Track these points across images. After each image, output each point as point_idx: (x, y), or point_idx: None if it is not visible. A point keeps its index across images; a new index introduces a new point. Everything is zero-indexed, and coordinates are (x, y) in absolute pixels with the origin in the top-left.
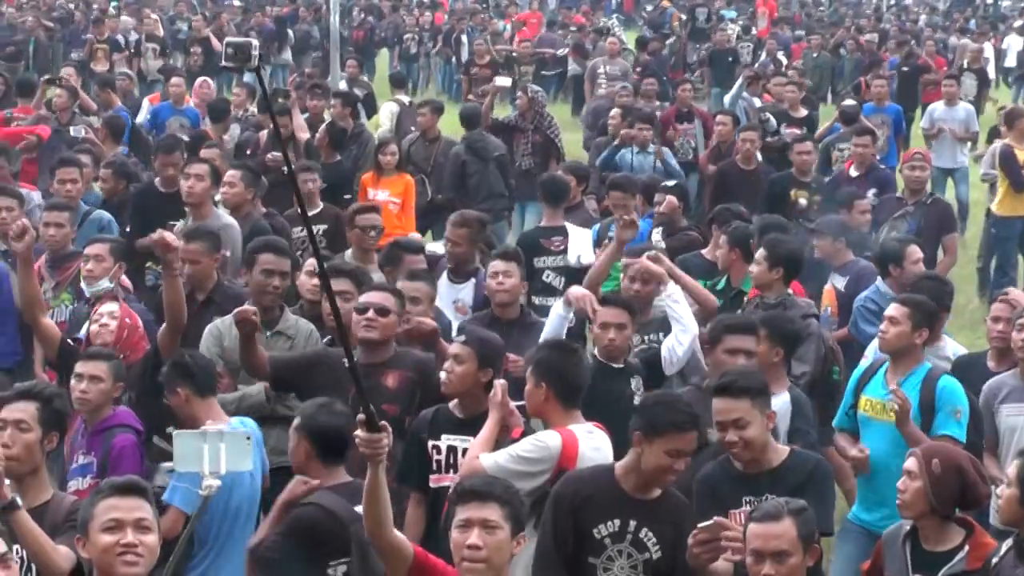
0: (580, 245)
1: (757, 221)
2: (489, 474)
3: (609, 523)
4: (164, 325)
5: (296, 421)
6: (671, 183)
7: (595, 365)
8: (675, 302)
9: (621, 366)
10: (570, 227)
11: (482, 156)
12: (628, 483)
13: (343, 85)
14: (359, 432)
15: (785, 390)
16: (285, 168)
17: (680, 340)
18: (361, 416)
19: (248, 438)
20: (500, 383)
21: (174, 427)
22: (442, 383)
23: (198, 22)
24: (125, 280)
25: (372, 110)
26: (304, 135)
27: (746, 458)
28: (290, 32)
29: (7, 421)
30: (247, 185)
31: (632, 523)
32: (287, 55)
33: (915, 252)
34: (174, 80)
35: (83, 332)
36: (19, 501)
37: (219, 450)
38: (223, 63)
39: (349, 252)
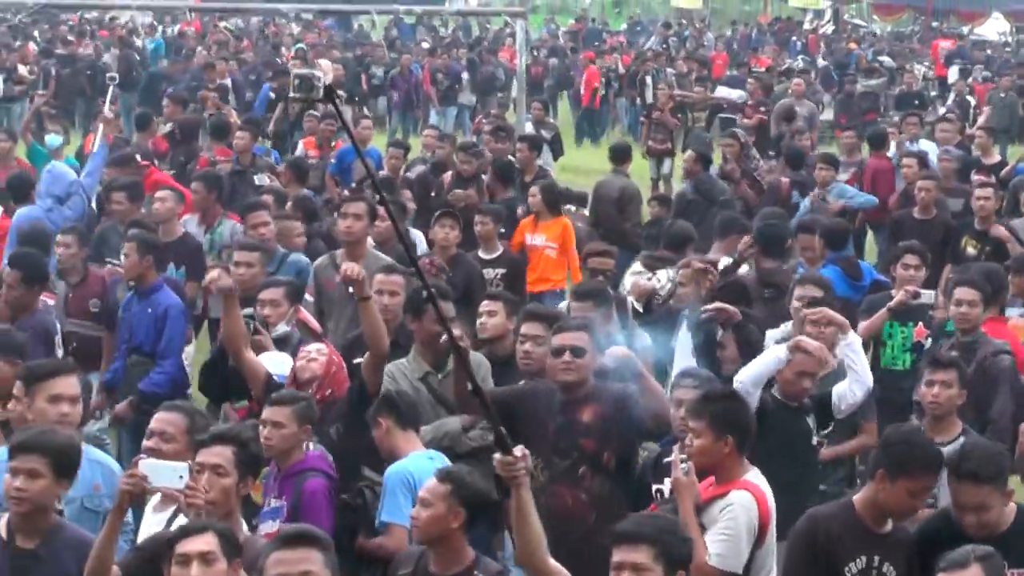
0: None
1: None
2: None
3: (857, 560)
4: (367, 356)
5: None
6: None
7: (774, 404)
8: (854, 352)
9: (797, 405)
10: None
11: (708, 198)
12: (869, 517)
13: (529, 127)
14: (496, 455)
15: (960, 434)
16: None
17: (854, 390)
18: (491, 437)
19: None
20: (688, 466)
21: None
22: (686, 446)
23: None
24: (312, 322)
25: (559, 152)
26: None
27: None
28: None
29: (204, 465)
30: (370, 219)
31: (876, 559)
32: (471, 96)
33: None
34: (364, 123)
35: (285, 371)
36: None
37: None
38: (291, 94)
39: None
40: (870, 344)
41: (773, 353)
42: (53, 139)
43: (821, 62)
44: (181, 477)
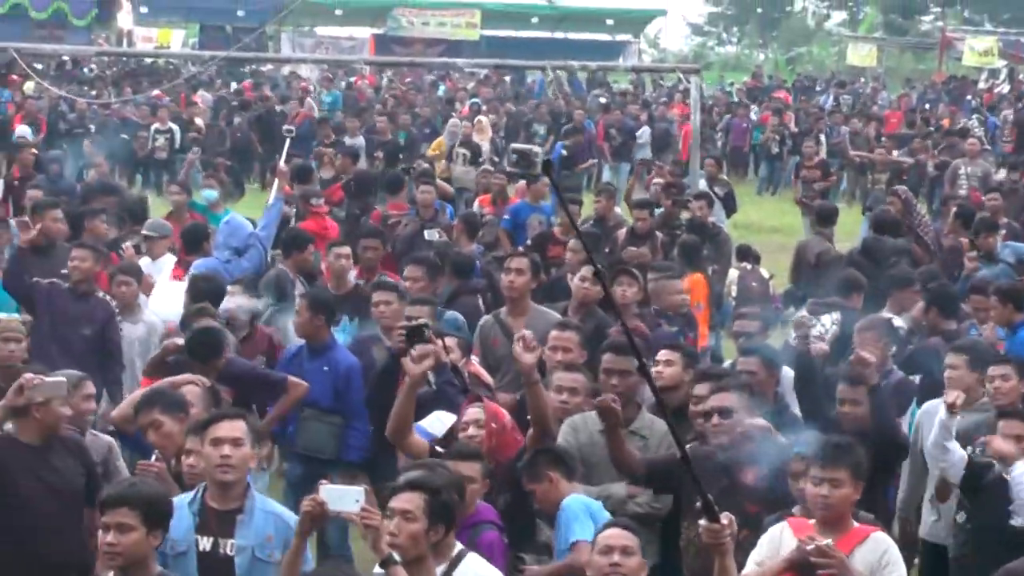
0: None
1: None
2: None
3: None
4: (531, 432)
5: None
6: None
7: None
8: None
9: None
10: None
11: (875, 259)
12: None
13: (703, 184)
14: (702, 523)
15: None
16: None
17: None
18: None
19: None
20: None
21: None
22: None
23: None
24: (485, 375)
25: (732, 209)
26: None
27: None
28: (648, 129)
29: (395, 511)
30: (533, 274)
31: None
32: (646, 152)
33: None
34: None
35: (441, 430)
36: (396, 557)
37: None
38: (508, 168)
39: None
40: None
41: (936, 415)
42: (209, 193)
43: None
44: (357, 501)
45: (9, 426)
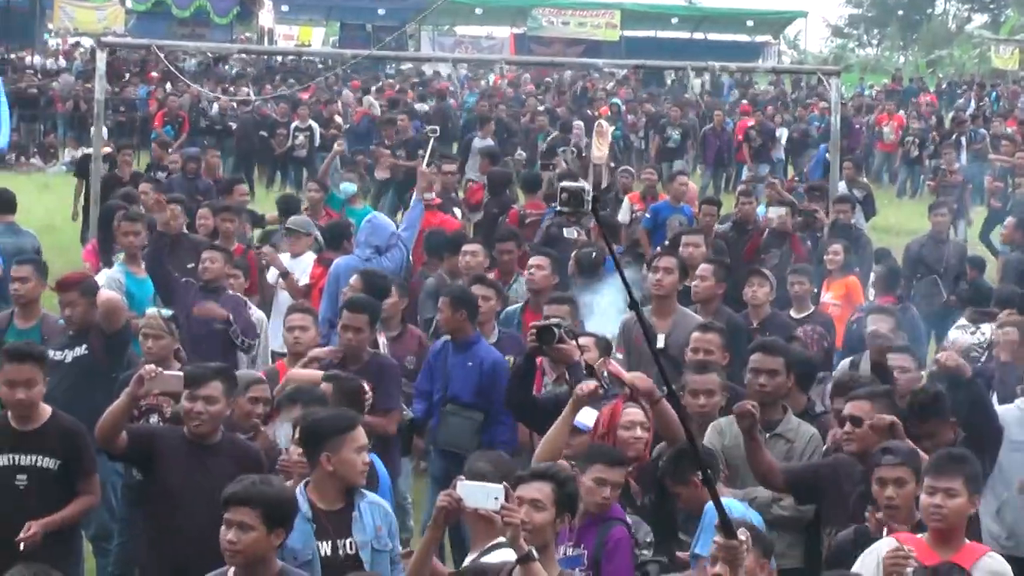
0: None
1: None
2: None
3: None
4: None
5: None
6: None
7: None
8: None
9: None
10: None
11: None
12: None
13: (842, 187)
14: (716, 539)
15: None
16: None
17: None
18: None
19: None
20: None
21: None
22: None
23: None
24: (624, 374)
25: (871, 212)
26: None
27: None
28: (785, 131)
29: (523, 499)
30: (718, 281)
31: None
32: (779, 152)
33: None
34: (680, 179)
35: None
36: (535, 554)
37: None
38: (558, 207)
39: None
40: None
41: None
42: (348, 187)
43: None
44: (496, 499)
45: (154, 419)
